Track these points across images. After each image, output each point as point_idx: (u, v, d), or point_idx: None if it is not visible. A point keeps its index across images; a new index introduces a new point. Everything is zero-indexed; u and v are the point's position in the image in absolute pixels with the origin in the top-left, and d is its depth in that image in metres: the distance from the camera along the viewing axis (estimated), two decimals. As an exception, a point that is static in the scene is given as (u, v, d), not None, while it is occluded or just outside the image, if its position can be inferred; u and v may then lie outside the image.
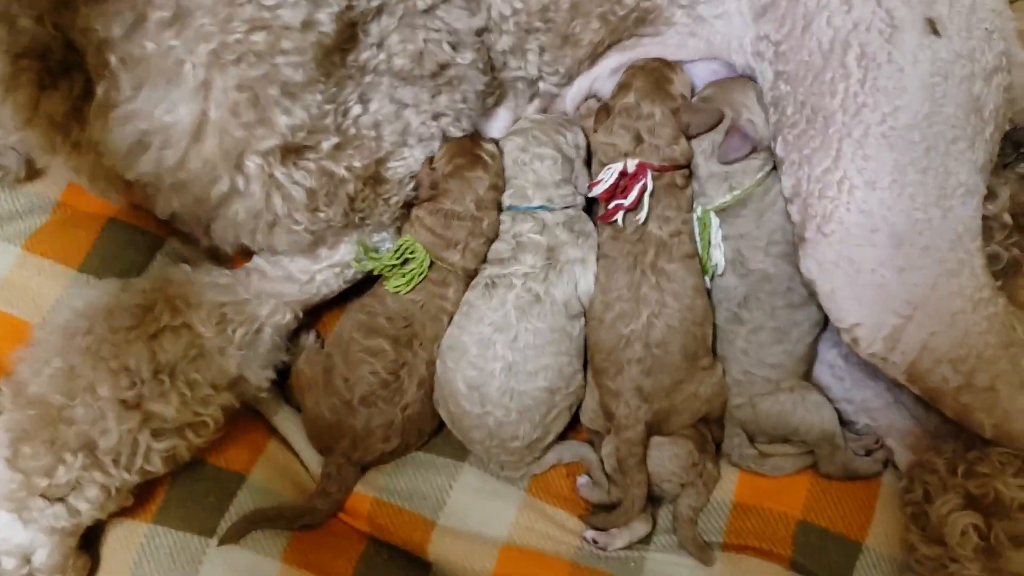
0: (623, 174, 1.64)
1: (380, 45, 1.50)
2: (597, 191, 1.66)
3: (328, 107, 1.48)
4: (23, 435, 1.43)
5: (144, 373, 1.47)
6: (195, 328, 1.51)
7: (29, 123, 1.41)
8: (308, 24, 1.37)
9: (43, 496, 1.42)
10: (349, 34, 1.45)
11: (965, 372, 1.46)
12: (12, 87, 1.37)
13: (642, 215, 1.62)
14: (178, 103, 1.36)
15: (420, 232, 1.65)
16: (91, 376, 1.45)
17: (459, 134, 1.68)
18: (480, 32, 1.65)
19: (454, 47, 1.59)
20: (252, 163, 1.43)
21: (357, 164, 1.54)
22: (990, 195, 1.64)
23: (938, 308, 1.46)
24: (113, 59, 1.32)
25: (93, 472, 1.43)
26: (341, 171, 1.52)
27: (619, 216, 1.62)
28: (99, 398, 1.44)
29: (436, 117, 1.65)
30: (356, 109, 1.51)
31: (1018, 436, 1.47)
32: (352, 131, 1.53)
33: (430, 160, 1.68)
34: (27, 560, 1.43)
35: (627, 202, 1.62)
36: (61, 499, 1.43)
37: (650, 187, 1.63)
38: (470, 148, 1.69)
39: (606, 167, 1.66)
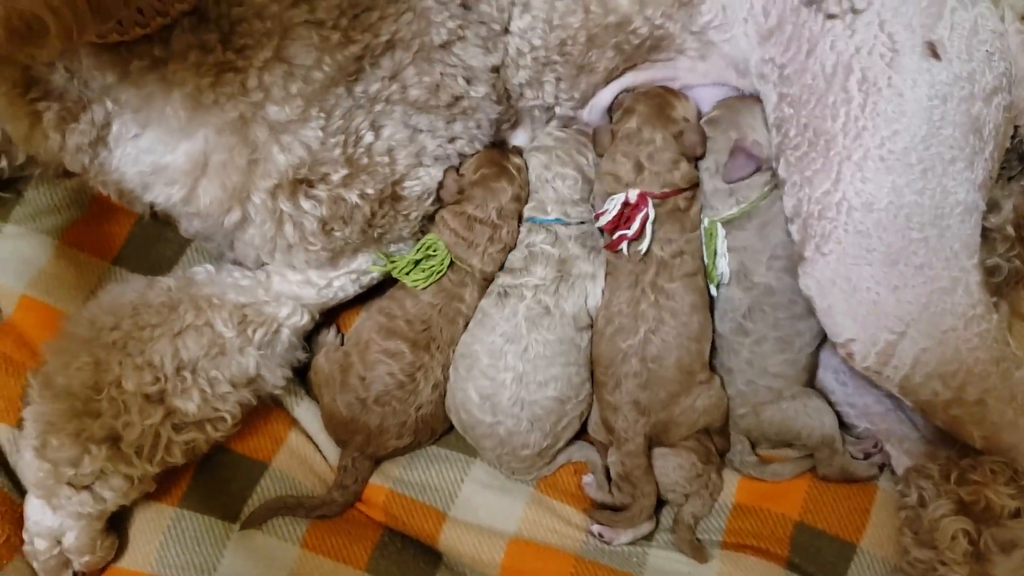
0: (626, 204, 1.66)
1: (394, 77, 1.51)
2: (602, 222, 1.68)
3: (334, 140, 1.48)
4: (50, 427, 1.45)
5: (168, 369, 1.49)
6: (217, 328, 1.53)
7: (60, 152, 1.44)
8: None
9: (70, 484, 1.45)
10: (354, 68, 1.46)
11: (955, 387, 1.48)
12: (33, 127, 1.41)
13: (644, 245, 1.64)
14: (176, 145, 1.39)
15: (443, 232, 1.68)
16: (117, 371, 1.48)
17: (473, 152, 1.70)
18: (495, 69, 1.66)
19: (468, 81, 1.61)
20: (258, 198, 1.46)
21: (371, 191, 1.56)
22: (994, 208, 1.65)
23: (930, 325, 1.48)
24: (109, 103, 1.36)
25: (117, 463, 1.46)
26: (354, 198, 1.54)
27: (624, 246, 1.64)
28: (124, 392, 1.47)
29: (451, 140, 1.66)
30: (368, 137, 1.52)
31: (1008, 447, 1.50)
32: (364, 160, 1.53)
33: (457, 167, 1.70)
34: (58, 542, 1.47)
35: (630, 232, 1.64)
36: (87, 487, 1.46)
37: (652, 216, 1.65)
38: (498, 159, 1.72)
39: (609, 197, 1.68)
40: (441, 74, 1.56)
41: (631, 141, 1.69)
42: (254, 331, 1.56)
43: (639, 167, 1.67)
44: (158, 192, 1.45)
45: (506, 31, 1.65)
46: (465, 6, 1.57)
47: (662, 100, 1.71)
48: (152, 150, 1.41)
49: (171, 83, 1.33)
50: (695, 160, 1.70)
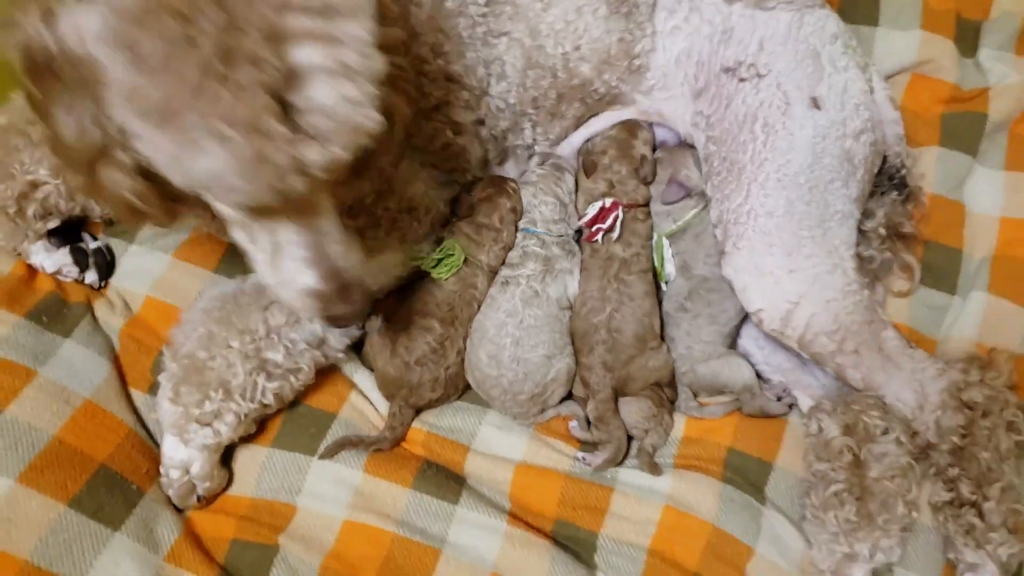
0: (602, 208, 1.95)
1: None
2: (584, 220, 1.95)
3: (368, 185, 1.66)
4: (180, 380, 1.70)
5: (261, 333, 1.72)
6: None
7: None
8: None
9: (196, 422, 1.69)
10: None
11: (837, 341, 1.74)
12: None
13: (615, 234, 1.93)
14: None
15: (460, 237, 1.96)
16: (225, 336, 1.72)
17: (465, 180, 1.99)
18: (478, 122, 1.89)
19: (455, 133, 1.84)
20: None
21: (392, 206, 1.80)
22: (869, 214, 1.94)
23: (817, 297, 1.74)
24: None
25: (229, 403, 1.70)
26: (380, 212, 1.78)
27: (600, 236, 1.92)
28: (231, 351, 1.71)
29: (449, 172, 1.91)
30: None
31: (877, 386, 1.75)
32: (386, 188, 1.77)
33: (469, 188, 1.99)
34: (187, 471, 1.72)
35: (606, 225, 1.92)
36: (208, 424, 1.70)
37: (621, 217, 1.93)
38: (500, 183, 2.02)
39: (591, 203, 1.98)
40: (434, 128, 1.80)
41: (605, 172, 2.03)
42: None
43: (611, 185, 2.01)
44: None
45: (486, 93, 1.89)
46: (449, 79, 1.80)
47: (625, 142, 2.03)
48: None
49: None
50: (647, 184, 2.04)
